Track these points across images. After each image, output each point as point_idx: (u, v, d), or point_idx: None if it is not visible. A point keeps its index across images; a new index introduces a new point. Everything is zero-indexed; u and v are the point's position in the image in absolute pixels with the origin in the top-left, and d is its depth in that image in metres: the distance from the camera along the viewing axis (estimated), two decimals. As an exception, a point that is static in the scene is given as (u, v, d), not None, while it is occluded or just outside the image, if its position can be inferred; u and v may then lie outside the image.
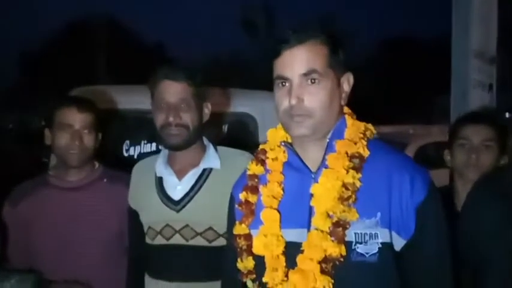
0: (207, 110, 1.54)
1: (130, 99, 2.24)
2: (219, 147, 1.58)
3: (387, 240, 0.99)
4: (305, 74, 1.02)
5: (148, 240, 1.52)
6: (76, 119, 1.58)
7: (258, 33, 16.74)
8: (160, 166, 1.54)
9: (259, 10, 17.45)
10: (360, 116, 1.14)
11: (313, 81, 1.03)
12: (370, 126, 1.14)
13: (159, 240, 1.49)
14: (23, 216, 1.61)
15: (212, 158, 1.53)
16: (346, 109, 1.14)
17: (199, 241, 1.46)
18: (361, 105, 1.52)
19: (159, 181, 1.53)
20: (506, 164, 1.67)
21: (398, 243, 1.01)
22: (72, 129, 1.57)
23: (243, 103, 2.22)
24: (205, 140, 1.57)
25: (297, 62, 1.03)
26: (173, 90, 1.44)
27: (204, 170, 1.51)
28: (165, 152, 1.56)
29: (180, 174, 1.51)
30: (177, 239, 1.47)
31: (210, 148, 1.56)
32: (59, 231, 1.59)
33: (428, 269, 1.04)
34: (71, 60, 17.66)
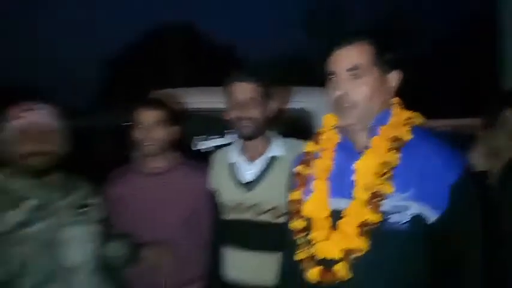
0: (273, 105, 1.79)
1: (198, 100, 2.57)
2: (283, 138, 1.83)
3: (418, 212, 1.13)
4: (349, 70, 1.21)
5: (224, 216, 1.79)
6: (148, 116, 1.89)
7: (321, 34, 16.68)
8: (234, 154, 1.82)
9: (324, 11, 17.42)
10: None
11: (356, 76, 1.21)
12: (416, 114, 1.28)
13: (233, 216, 1.76)
14: (118, 195, 1.93)
15: (278, 147, 1.78)
16: (395, 100, 1.30)
17: (266, 217, 1.70)
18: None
19: (232, 167, 1.81)
20: None
21: (431, 217, 1.13)
22: (145, 125, 1.89)
23: (300, 99, 2.45)
24: (271, 132, 1.83)
25: (343, 58, 1.22)
26: (243, 90, 1.71)
27: (271, 157, 1.77)
28: (239, 142, 1.84)
29: (251, 161, 1.78)
30: (247, 216, 1.73)
31: (276, 139, 1.81)
32: (147, 208, 1.90)
33: (458, 246, 1.15)
34: (152, 64, 18.93)
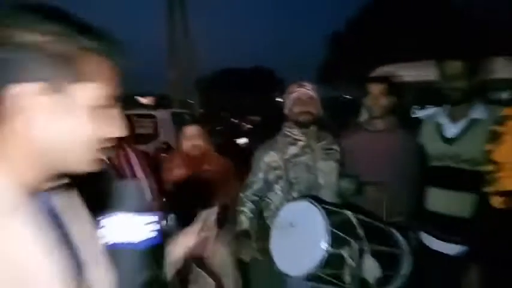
0: (477, 77, 2.18)
1: (417, 73, 3.03)
2: (487, 105, 2.22)
3: None
4: None
5: (430, 162, 2.33)
6: (376, 88, 2.54)
7: None
8: (441, 116, 2.34)
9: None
10: None
11: None
12: None
13: (437, 163, 2.29)
14: (350, 146, 2.66)
15: (480, 112, 2.19)
16: None
17: (463, 165, 2.17)
18: None
19: (439, 126, 2.34)
20: None
21: None
22: (374, 94, 2.54)
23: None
24: (475, 98, 2.24)
25: None
26: (451, 66, 2.18)
27: (472, 119, 2.20)
28: (446, 106, 2.34)
29: (455, 121, 2.27)
30: (449, 163, 2.24)
31: (479, 104, 2.22)
32: (370, 156, 2.58)
33: None
34: (376, 37, 19.02)
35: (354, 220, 2.31)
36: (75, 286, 0.74)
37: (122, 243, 0.80)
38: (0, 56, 0.66)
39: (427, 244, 2.34)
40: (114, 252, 0.81)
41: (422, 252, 2.37)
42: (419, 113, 3.32)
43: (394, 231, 2.40)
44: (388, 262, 2.40)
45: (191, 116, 11.03)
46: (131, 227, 0.79)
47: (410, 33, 16.45)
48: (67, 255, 0.75)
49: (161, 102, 19.06)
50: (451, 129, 2.27)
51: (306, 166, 2.42)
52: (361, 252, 1.92)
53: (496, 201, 1.67)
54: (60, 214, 0.79)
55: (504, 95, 2.79)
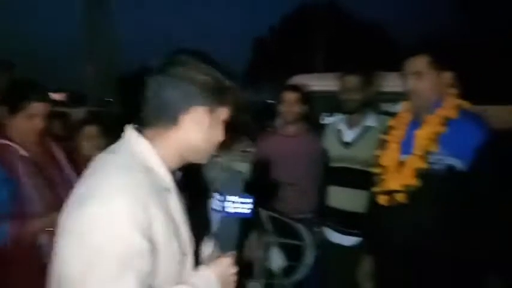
0: (371, 90, 2.53)
1: (326, 84, 3.37)
2: (377, 114, 2.58)
3: (452, 163, 1.77)
4: (414, 73, 1.88)
5: (331, 164, 2.61)
6: (290, 96, 2.81)
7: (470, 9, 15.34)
8: (340, 123, 2.65)
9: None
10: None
11: (418, 77, 1.87)
12: (464, 102, 1.89)
13: (337, 164, 2.58)
14: (265, 149, 2.90)
15: (372, 120, 2.54)
16: (452, 91, 1.92)
17: (358, 166, 2.49)
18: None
19: (339, 131, 2.64)
20: None
21: (461, 167, 1.76)
22: (287, 102, 2.81)
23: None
24: (368, 109, 2.58)
25: (410, 66, 1.88)
26: (348, 80, 2.51)
27: (366, 126, 2.54)
28: (344, 115, 2.65)
29: (351, 128, 2.58)
30: (346, 164, 2.54)
31: (371, 114, 2.57)
32: (282, 162, 2.83)
33: (477, 188, 1.73)
34: (293, 47, 19.73)
35: (264, 216, 2.53)
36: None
37: (230, 213, 1.15)
38: (186, 87, 1.03)
39: (328, 237, 2.62)
40: (224, 219, 1.16)
41: (324, 244, 2.66)
42: (327, 120, 3.65)
43: (300, 226, 2.66)
44: (293, 254, 2.66)
45: (106, 114, 10.62)
46: (236, 203, 1.15)
47: (321, 46, 17.35)
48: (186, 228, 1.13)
49: (76, 100, 18.03)
50: (348, 135, 2.58)
51: (222, 166, 2.59)
52: (267, 245, 2.12)
53: (382, 199, 1.96)
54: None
55: (393, 107, 3.21)
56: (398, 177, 1.92)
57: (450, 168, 1.79)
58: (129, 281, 0.88)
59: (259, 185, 2.67)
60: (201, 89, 1.04)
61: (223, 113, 1.11)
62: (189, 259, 1.11)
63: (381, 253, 2.04)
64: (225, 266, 1.14)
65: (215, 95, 1.06)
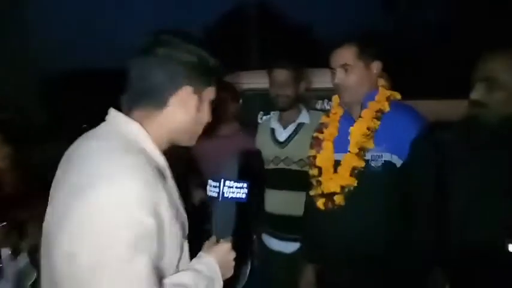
0: (302, 85, 2.38)
1: (262, 82, 3.20)
2: (310, 110, 2.44)
3: (388, 159, 1.67)
4: (340, 66, 1.75)
5: (266, 166, 2.44)
6: (221, 95, 2.57)
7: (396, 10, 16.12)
8: (273, 121, 2.47)
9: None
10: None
11: (346, 70, 1.74)
12: (394, 93, 1.79)
13: (272, 166, 2.40)
14: (199, 152, 2.66)
15: (305, 117, 2.39)
16: (382, 82, 1.82)
17: (294, 166, 2.33)
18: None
19: (272, 130, 2.46)
20: None
21: (398, 163, 1.66)
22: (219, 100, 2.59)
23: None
24: (301, 105, 2.43)
25: (337, 58, 1.76)
26: (279, 74, 2.32)
27: (299, 123, 2.39)
28: (276, 113, 2.48)
29: (285, 126, 2.42)
30: (281, 165, 2.36)
31: (304, 110, 2.42)
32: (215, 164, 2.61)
33: (414, 183, 1.64)
34: (226, 45, 19.57)
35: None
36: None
37: (226, 198, 1.16)
38: (174, 68, 1.03)
39: (267, 244, 2.45)
40: (221, 204, 1.16)
41: (264, 252, 2.49)
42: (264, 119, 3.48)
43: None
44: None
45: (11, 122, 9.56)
46: (232, 188, 1.17)
47: (254, 45, 17.36)
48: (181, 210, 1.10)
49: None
50: (282, 134, 2.42)
51: None
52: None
53: (320, 203, 1.82)
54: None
55: (325, 104, 3.11)
56: (335, 178, 1.79)
57: (387, 165, 1.68)
58: (141, 263, 0.88)
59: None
60: (187, 69, 1.04)
61: (210, 93, 1.12)
62: (186, 245, 1.11)
63: (323, 260, 1.91)
64: (224, 252, 1.16)
65: (201, 75, 1.07)
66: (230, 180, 1.17)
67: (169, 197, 0.99)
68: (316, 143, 1.96)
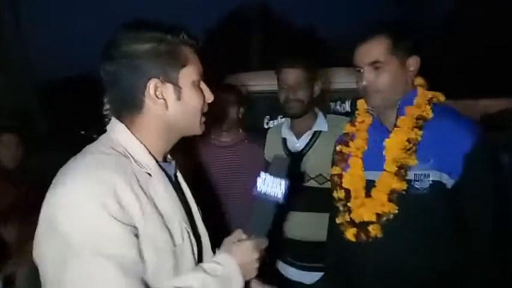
0: (317, 87, 2.01)
1: (270, 83, 2.84)
2: (328, 115, 2.06)
3: (437, 179, 1.33)
4: (370, 63, 1.40)
5: None
6: (221, 98, 2.18)
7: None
8: (284, 130, 2.09)
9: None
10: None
11: (377, 68, 1.39)
12: (437, 94, 1.45)
13: None
14: (199, 162, 2.31)
15: (322, 123, 2.02)
16: (419, 81, 1.47)
17: (313, 183, 1.97)
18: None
19: (284, 140, 2.08)
20: None
21: (449, 183, 1.32)
22: (219, 106, 2.18)
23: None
24: (316, 109, 2.06)
25: (364, 54, 1.41)
26: (291, 75, 1.94)
27: (316, 131, 2.01)
28: (287, 119, 2.10)
29: (298, 135, 2.04)
30: (297, 182, 1.99)
31: (320, 115, 2.05)
32: (218, 176, 2.27)
33: (472, 207, 1.32)
34: (228, 47, 19.25)
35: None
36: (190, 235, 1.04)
37: (260, 192, 1.05)
38: (135, 64, 0.96)
39: (284, 273, 2.10)
40: (260, 200, 1.05)
41: (281, 283, 2.13)
42: (271, 125, 3.12)
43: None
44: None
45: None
46: (268, 183, 1.05)
47: (255, 47, 17.04)
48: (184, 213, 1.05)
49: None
50: (296, 144, 2.05)
51: None
52: None
53: (349, 234, 1.48)
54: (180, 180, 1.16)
55: (344, 106, 2.75)
56: (368, 204, 1.44)
57: (436, 186, 1.33)
58: (107, 267, 0.83)
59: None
60: (146, 60, 0.96)
61: (190, 73, 1.03)
62: (188, 248, 1.02)
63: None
64: (247, 249, 1.04)
65: (165, 60, 0.98)
66: (269, 174, 1.05)
67: (148, 202, 0.94)
68: (340, 159, 1.60)
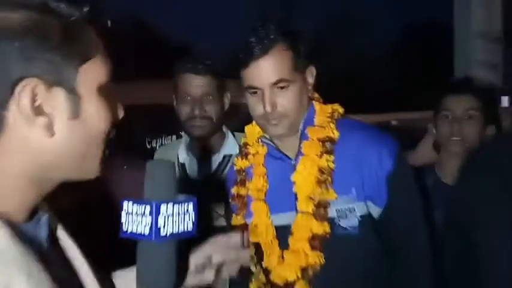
0: (227, 100, 1.59)
1: (155, 94, 2.35)
2: (236, 134, 1.62)
3: (365, 212, 1.09)
4: (274, 83, 1.08)
5: None
6: None
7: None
8: (182, 153, 1.61)
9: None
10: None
11: (282, 87, 1.09)
12: (336, 106, 1.20)
13: None
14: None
15: (232, 145, 1.59)
16: (314, 95, 1.21)
17: (222, 222, 1.50)
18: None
19: (182, 167, 1.60)
20: (493, 134, 1.58)
21: (376, 212, 1.11)
22: None
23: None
24: (224, 128, 1.63)
25: (265, 72, 1.07)
26: (197, 84, 1.49)
27: (225, 156, 1.58)
28: (186, 139, 1.62)
29: (202, 160, 1.57)
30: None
31: (229, 135, 1.62)
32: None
33: (402, 233, 1.13)
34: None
35: None
36: None
37: (147, 236, 0.63)
38: None
39: None
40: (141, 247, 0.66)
41: None
42: (159, 148, 2.53)
43: None
44: None
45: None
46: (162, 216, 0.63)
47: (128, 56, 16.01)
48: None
49: None
50: (199, 172, 1.59)
51: None
52: None
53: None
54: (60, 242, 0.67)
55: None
56: (289, 259, 1.12)
57: (366, 222, 1.09)
58: None
59: None
60: (19, 43, 0.53)
61: (96, 71, 0.60)
62: None
63: None
64: None
65: (57, 44, 0.55)
66: (167, 202, 0.64)
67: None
68: (240, 206, 1.25)
